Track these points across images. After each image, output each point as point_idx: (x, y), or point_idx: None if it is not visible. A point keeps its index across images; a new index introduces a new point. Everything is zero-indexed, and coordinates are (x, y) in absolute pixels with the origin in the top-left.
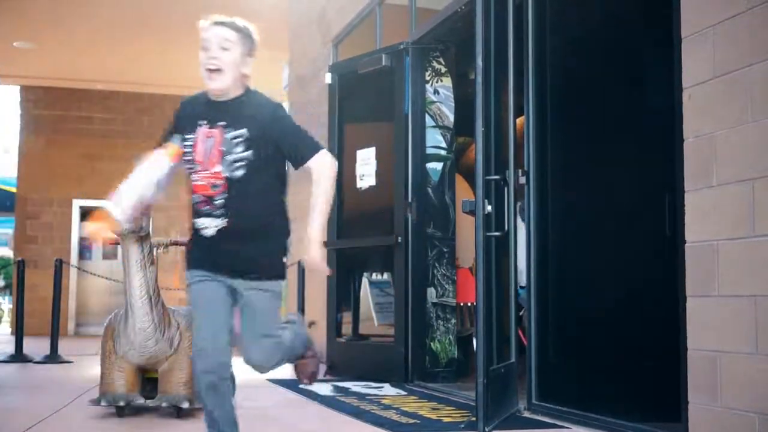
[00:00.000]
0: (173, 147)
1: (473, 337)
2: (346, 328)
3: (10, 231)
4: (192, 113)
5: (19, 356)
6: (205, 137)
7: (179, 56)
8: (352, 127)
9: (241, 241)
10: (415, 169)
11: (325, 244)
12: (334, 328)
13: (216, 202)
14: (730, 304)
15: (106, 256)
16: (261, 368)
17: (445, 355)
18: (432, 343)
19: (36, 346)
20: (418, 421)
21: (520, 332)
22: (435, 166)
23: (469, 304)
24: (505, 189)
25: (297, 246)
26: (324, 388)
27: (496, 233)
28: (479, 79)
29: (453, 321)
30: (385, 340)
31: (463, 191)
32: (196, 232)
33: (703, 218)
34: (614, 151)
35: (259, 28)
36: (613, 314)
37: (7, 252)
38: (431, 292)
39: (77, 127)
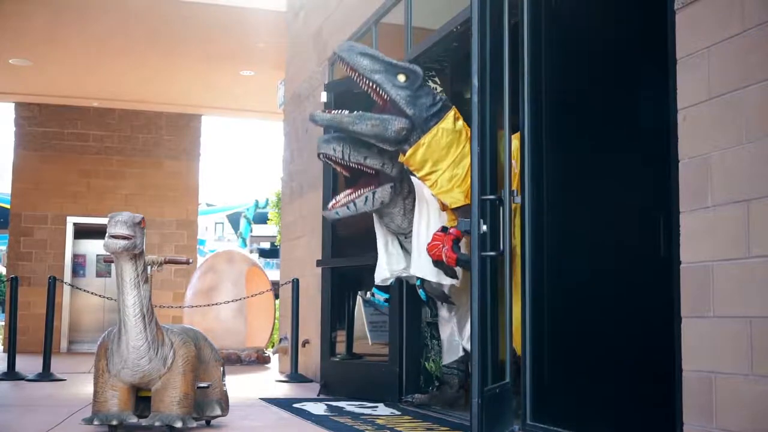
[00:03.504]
0: None
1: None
2: (340, 347)
3: (3, 248)
4: None
5: (11, 374)
6: None
7: (175, 74)
8: None
9: None
10: None
11: (319, 262)
12: (328, 346)
13: None
14: (725, 324)
15: (99, 274)
16: None
17: (440, 375)
18: (426, 363)
19: (28, 364)
20: None
21: None
22: None
23: None
24: (501, 209)
25: (292, 262)
26: (318, 408)
27: (492, 253)
28: (475, 98)
29: None
30: (380, 359)
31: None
32: None
33: (698, 239)
34: (610, 172)
35: (256, 48)
36: (609, 334)
37: (0, 269)
38: (425, 312)
39: (72, 144)
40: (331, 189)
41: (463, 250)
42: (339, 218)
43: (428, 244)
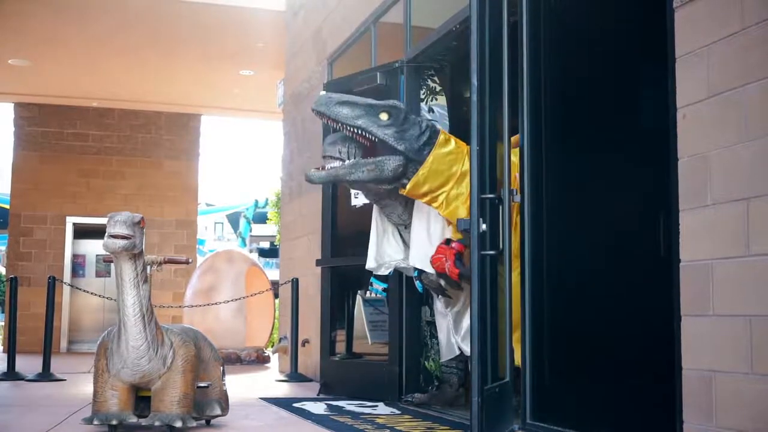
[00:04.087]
0: None
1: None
2: (340, 347)
3: (3, 248)
4: None
5: (11, 374)
6: None
7: (175, 74)
8: None
9: None
10: None
11: (318, 262)
12: (328, 346)
13: None
14: (725, 323)
15: (99, 274)
16: None
17: (440, 374)
18: (426, 362)
19: (28, 364)
20: None
21: None
22: None
23: None
24: (500, 208)
25: (292, 262)
26: (317, 407)
27: (491, 252)
28: (474, 97)
29: None
30: (380, 358)
31: None
32: None
33: (698, 238)
34: (609, 170)
35: (256, 47)
36: (609, 333)
37: (0, 269)
38: (425, 311)
39: (72, 144)
40: (330, 188)
41: (466, 263)
42: (323, 182)
43: (432, 256)
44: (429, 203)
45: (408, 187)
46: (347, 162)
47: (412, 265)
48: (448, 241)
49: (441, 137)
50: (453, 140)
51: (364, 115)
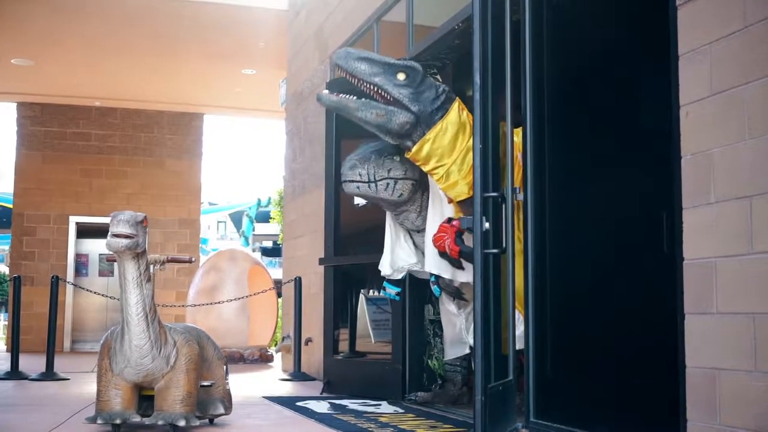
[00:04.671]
0: None
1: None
2: (343, 345)
3: (7, 247)
4: None
5: (14, 373)
6: None
7: (177, 73)
8: (350, 143)
9: None
10: None
11: (321, 260)
12: (331, 345)
13: None
14: (728, 321)
15: (102, 273)
16: None
17: (443, 373)
18: (429, 361)
19: (32, 363)
20: None
21: None
22: None
23: None
24: (503, 206)
25: (292, 262)
26: (321, 406)
27: (494, 250)
28: (477, 96)
29: None
30: (383, 357)
31: None
32: None
33: (701, 235)
34: (612, 168)
35: (258, 46)
36: (612, 331)
37: (3, 268)
38: (429, 309)
39: (74, 143)
40: (333, 188)
41: (467, 243)
42: (331, 106)
43: (434, 235)
44: (430, 173)
45: (413, 149)
46: (360, 99)
47: (427, 270)
48: (449, 220)
49: (455, 105)
50: (465, 112)
51: (381, 73)
